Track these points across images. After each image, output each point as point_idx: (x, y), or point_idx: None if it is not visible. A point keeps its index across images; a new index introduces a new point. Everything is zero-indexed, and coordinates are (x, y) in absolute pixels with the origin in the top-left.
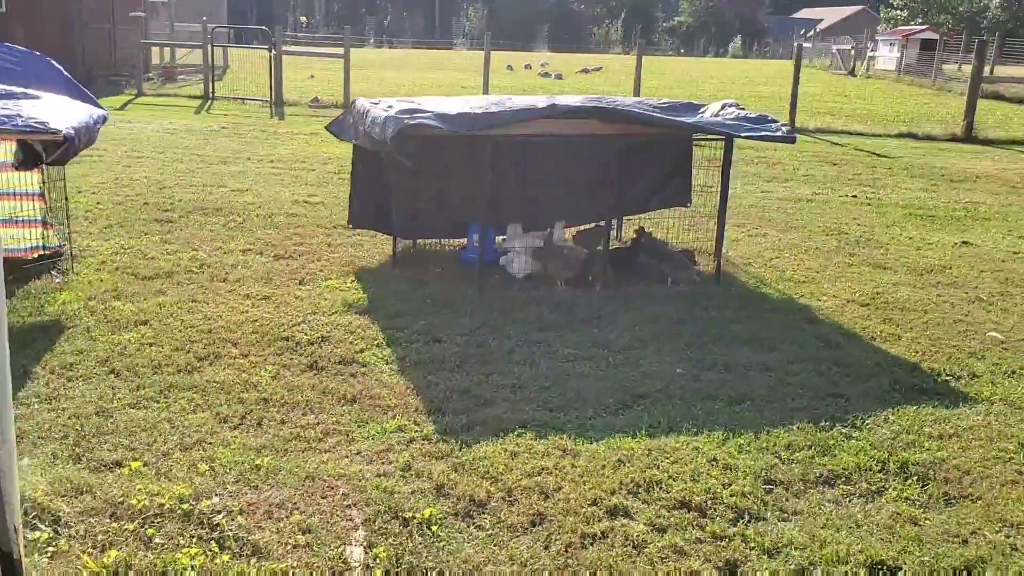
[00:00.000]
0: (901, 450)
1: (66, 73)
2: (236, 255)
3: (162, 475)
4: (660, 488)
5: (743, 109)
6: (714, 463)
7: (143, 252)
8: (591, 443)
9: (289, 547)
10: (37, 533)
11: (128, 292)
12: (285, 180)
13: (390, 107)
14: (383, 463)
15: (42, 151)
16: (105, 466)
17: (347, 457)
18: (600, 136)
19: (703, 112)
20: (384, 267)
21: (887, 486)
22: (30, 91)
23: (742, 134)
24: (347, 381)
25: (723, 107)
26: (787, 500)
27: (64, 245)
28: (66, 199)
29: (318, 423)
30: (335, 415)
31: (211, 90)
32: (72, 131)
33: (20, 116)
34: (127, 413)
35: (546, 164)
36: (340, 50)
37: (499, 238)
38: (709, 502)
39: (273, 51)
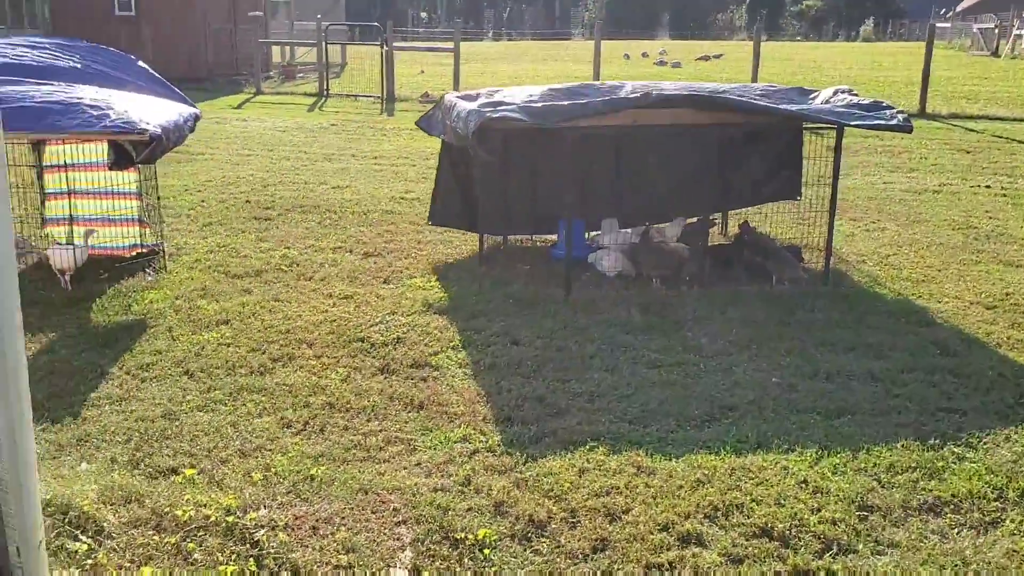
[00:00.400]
0: (1023, 476)
1: (156, 73)
2: (326, 253)
3: (214, 484)
4: (740, 513)
5: (856, 95)
6: (803, 485)
7: (237, 250)
8: (669, 460)
9: (329, 568)
10: (77, 544)
11: (215, 291)
12: (385, 176)
13: (475, 100)
14: (442, 476)
15: (132, 151)
16: (160, 473)
17: (405, 469)
18: (700, 126)
19: (813, 98)
20: (470, 265)
21: (1004, 517)
22: (121, 92)
23: (852, 122)
24: (416, 386)
25: (835, 93)
26: (884, 530)
27: (162, 243)
28: (158, 198)
29: (381, 430)
30: (399, 422)
31: (325, 87)
32: (159, 130)
33: (109, 117)
34: (193, 416)
35: (642, 156)
36: (451, 44)
37: (594, 233)
38: (794, 530)
39: (385, 47)
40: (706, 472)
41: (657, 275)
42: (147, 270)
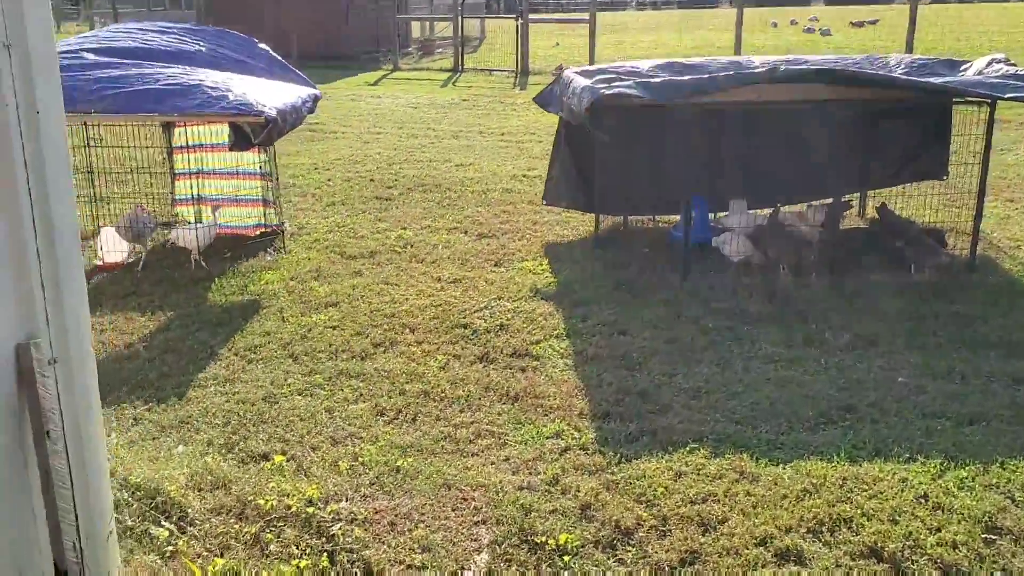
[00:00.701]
0: None
1: (276, 55)
2: (441, 234)
3: (301, 472)
4: (848, 528)
5: (1013, 65)
6: (923, 501)
7: (355, 230)
8: (775, 465)
9: (401, 568)
10: (160, 530)
11: (329, 272)
12: (510, 153)
13: (594, 76)
14: (529, 473)
15: (250, 132)
16: (251, 458)
17: (493, 464)
18: (835, 102)
19: (964, 70)
20: (585, 248)
21: None
22: (242, 75)
23: (1006, 95)
24: (514, 376)
25: (989, 63)
26: (1013, 557)
27: (284, 223)
28: (277, 179)
29: (473, 422)
30: (493, 414)
31: (460, 62)
32: (274, 112)
33: (227, 98)
34: (292, 400)
35: (772, 133)
36: (587, 15)
37: (721, 215)
38: (907, 552)
39: (519, 20)
40: (815, 481)
41: (785, 261)
42: (268, 250)
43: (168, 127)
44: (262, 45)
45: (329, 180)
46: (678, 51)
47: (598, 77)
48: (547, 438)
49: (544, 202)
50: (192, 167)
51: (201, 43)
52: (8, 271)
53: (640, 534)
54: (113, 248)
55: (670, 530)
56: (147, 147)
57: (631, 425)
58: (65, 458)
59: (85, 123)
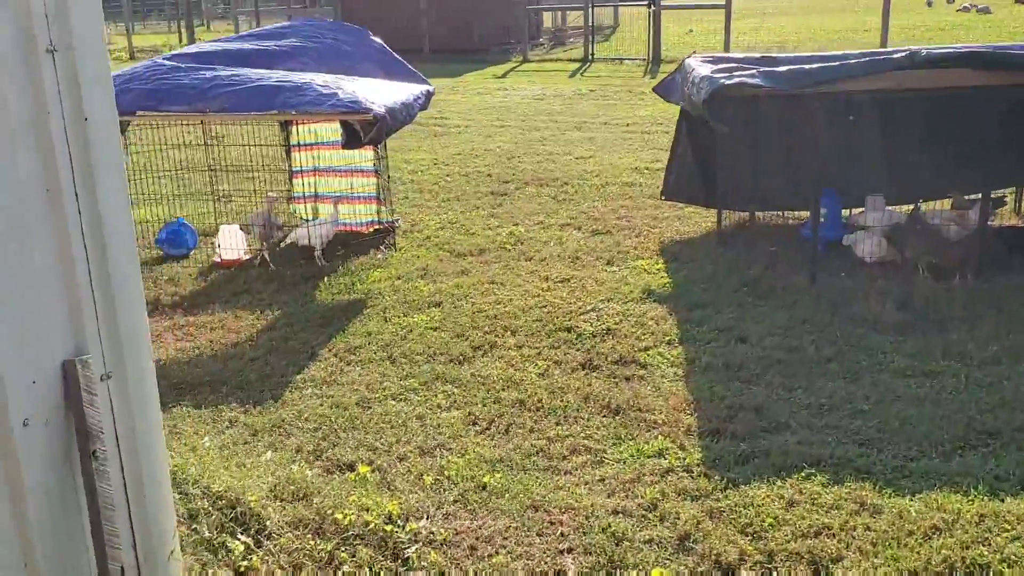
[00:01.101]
0: None
1: (392, 52)
2: (553, 230)
3: (384, 484)
4: None
5: None
6: None
7: (467, 227)
8: (901, 497)
9: None
10: (236, 543)
11: (435, 270)
12: (633, 145)
13: (718, 64)
14: (625, 497)
15: (360, 130)
16: (337, 467)
17: (586, 484)
18: (985, 88)
19: None
20: (706, 246)
21: None
22: (355, 73)
23: None
24: (618, 386)
25: None
26: None
27: (397, 220)
28: (388, 177)
29: (569, 436)
30: (591, 428)
31: (590, 52)
32: (383, 110)
33: (336, 96)
34: (385, 405)
35: (913, 123)
36: (722, 0)
37: (856, 211)
38: None
39: (652, 7)
40: (946, 516)
41: (924, 263)
42: (380, 247)
43: (285, 125)
44: (376, 40)
45: (447, 175)
46: (821, 35)
47: (720, 66)
48: (648, 457)
49: (663, 197)
50: (309, 164)
51: (319, 39)
52: (55, 286)
53: (742, 572)
54: (230, 245)
55: (775, 568)
56: (264, 145)
57: (742, 445)
58: (115, 479)
59: (201, 122)
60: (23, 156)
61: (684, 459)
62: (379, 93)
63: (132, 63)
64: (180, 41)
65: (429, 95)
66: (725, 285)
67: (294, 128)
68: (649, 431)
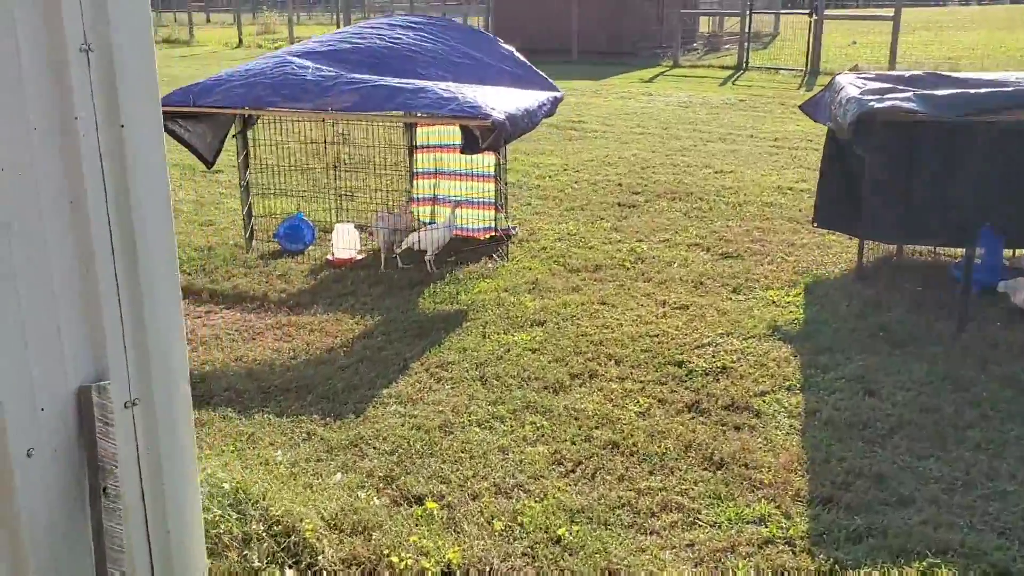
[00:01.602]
0: None
1: (520, 57)
2: (679, 250)
3: (450, 525)
4: None
5: None
6: None
7: (585, 240)
8: None
9: None
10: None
11: (545, 285)
12: (779, 161)
13: (874, 83)
14: (714, 568)
15: (478, 136)
16: (405, 498)
17: (673, 548)
18: None
19: None
20: (844, 280)
21: None
22: (480, 77)
23: None
24: (725, 434)
25: None
26: None
27: (514, 228)
28: (505, 184)
29: (662, 489)
30: (688, 481)
31: (744, 59)
32: (503, 117)
33: (456, 100)
34: (468, 432)
35: None
36: (890, 11)
37: (1020, 252)
38: None
39: (814, 15)
40: None
41: None
42: (493, 256)
43: (410, 126)
44: (503, 44)
45: (575, 183)
46: (1001, 53)
47: (872, 85)
48: (747, 523)
49: (814, 224)
50: (429, 167)
51: (446, 41)
52: (73, 306)
53: None
54: (344, 245)
55: None
56: (389, 146)
57: (857, 519)
58: (134, 518)
59: (324, 119)
60: (43, 165)
61: (787, 530)
62: (501, 99)
63: None
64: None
65: (556, 101)
66: (860, 327)
67: (418, 129)
68: (752, 492)
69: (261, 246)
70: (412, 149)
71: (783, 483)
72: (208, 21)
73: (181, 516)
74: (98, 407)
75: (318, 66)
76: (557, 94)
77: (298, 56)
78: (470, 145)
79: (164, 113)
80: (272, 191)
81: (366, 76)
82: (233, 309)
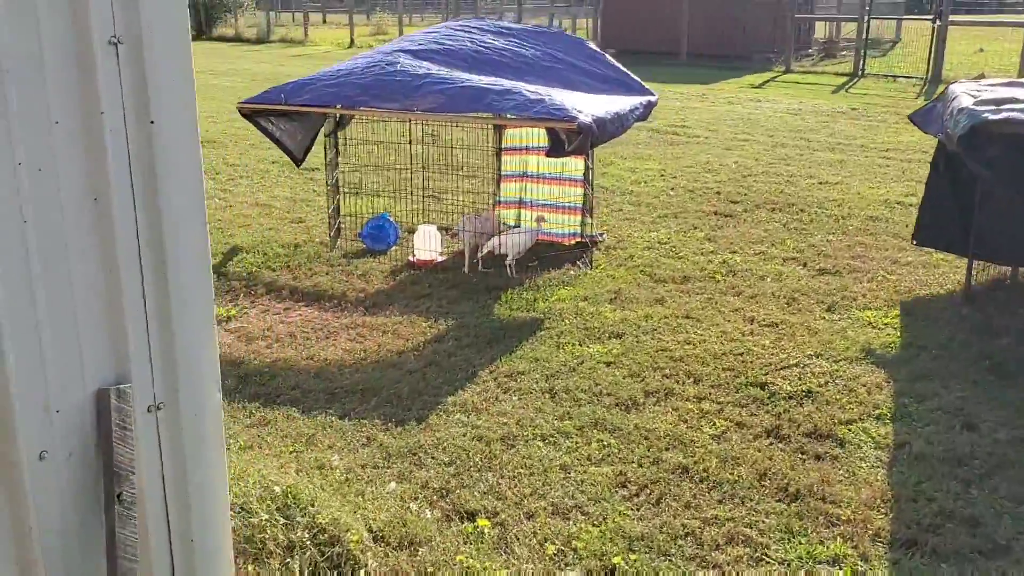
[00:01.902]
0: None
1: (612, 60)
2: (774, 263)
3: (500, 545)
4: None
5: None
6: None
7: (676, 249)
8: None
9: None
10: None
11: (628, 296)
12: (889, 174)
13: (990, 93)
14: None
15: (565, 139)
16: (458, 513)
17: None
18: None
19: None
20: (949, 303)
21: None
22: (568, 81)
23: None
24: (804, 464)
25: None
26: None
27: (602, 235)
28: (591, 188)
29: (729, 519)
30: (759, 513)
31: (860, 66)
32: (589, 120)
33: (543, 102)
34: (530, 447)
35: None
36: (1021, 18)
37: None
38: None
39: (937, 21)
40: None
41: None
42: (577, 263)
43: (498, 127)
44: (593, 47)
45: (671, 189)
46: None
47: (990, 95)
48: (819, 562)
49: (914, 241)
50: (517, 169)
51: (535, 46)
52: (94, 305)
53: None
54: (426, 246)
55: None
56: (477, 148)
57: (943, 567)
58: (155, 527)
59: (410, 119)
60: (65, 161)
61: (863, 574)
62: (589, 102)
63: None
64: None
65: (650, 105)
66: (962, 355)
67: (507, 131)
68: (828, 528)
69: (346, 245)
70: (500, 151)
71: (863, 521)
72: (324, 22)
73: (207, 526)
74: (116, 411)
75: (408, 64)
76: (651, 98)
77: (388, 54)
78: (556, 148)
79: (256, 111)
80: (360, 190)
81: (454, 75)
82: (312, 307)
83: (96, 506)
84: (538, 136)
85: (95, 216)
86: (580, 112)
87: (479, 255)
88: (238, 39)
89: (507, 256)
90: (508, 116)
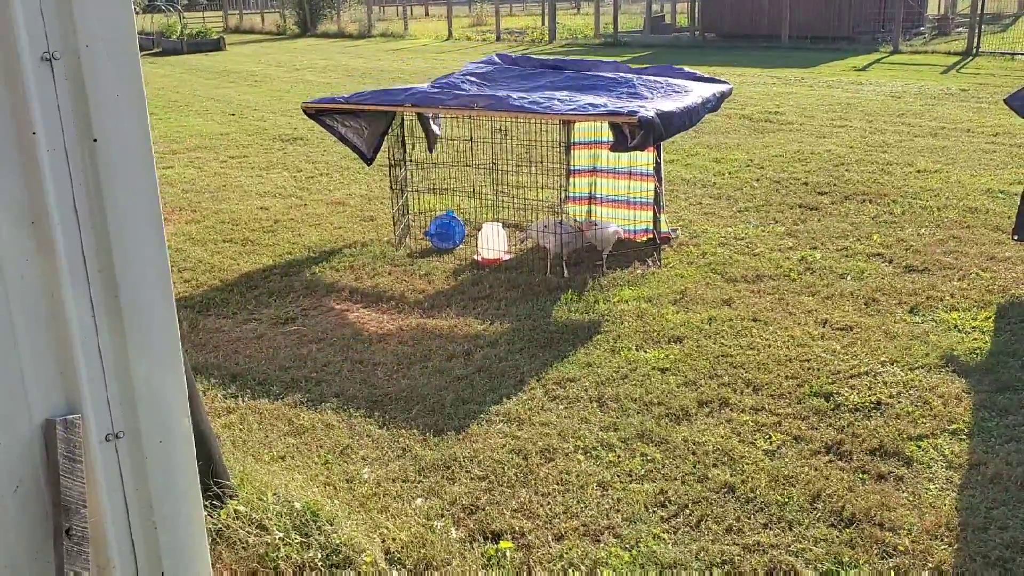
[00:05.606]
0: None
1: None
2: (857, 260)
3: (522, 570)
4: None
5: None
6: None
7: (752, 245)
8: None
9: None
10: None
11: (694, 296)
12: (995, 160)
13: None
14: None
15: (628, 134)
16: (483, 534)
17: None
18: None
19: None
20: None
21: None
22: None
23: None
24: (863, 485)
25: None
26: None
27: (675, 231)
28: (661, 183)
29: (774, 546)
30: (808, 539)
31: (975, 44)
32: (651, 115)
33: (606, 106)
34: (569, 461)
35: None
36: None
37: None
38: None
39: None
40: None
41: None
42: (647, 260)
43: (567, 122)
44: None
45: (756, 180)
46: None
47: None
48: None
49: (1014, 238)
50: (587, 164)
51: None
52: (38, 333)
53: None
54: (491, 245)
55: None
56: (546, 143)
57: None
58: (113, 560)
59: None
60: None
61: None
62: (655, 98)
63: (498, 45)
64: (543, 23)
65: (723, 96)
66: None
67: (577, 125)
68: (882, 559)
69: (413, 244)
70: (570, 146)
71: (923, 552)
72: (427, 14)
73: (179, 557)
74: (63, 442)
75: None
76: (724, 87)
77: (462, 80)
78: (619, 143)
79: (322, 110)
80: (428, 188)
81: (524, 93)
82: (370, 308)
83: (49, 542)
84: (608, 130)
85: (35, 241)
86: (642, 106)
87: (564, 259)
88: (340, 35)
89: (602, 251)
90: (566, 111)
